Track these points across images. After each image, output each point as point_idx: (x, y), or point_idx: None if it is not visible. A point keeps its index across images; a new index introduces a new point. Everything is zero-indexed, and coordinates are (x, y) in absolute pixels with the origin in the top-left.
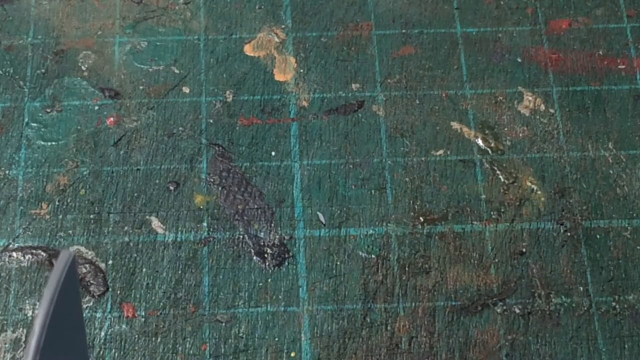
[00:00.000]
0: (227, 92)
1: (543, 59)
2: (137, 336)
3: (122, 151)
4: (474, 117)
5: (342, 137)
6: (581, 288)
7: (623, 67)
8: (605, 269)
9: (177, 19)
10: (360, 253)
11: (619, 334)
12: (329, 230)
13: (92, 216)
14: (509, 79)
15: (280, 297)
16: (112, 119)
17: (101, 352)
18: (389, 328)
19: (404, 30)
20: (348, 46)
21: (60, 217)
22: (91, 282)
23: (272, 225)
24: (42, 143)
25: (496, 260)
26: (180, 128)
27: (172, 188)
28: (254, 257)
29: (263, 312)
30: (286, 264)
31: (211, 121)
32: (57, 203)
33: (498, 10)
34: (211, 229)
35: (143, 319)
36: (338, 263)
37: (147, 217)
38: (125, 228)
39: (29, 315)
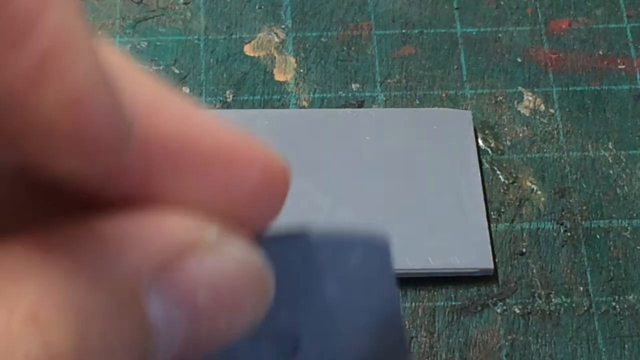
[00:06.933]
0: (227, 92)
1: (543, 59)
2: None
3: None
4: (474, 117)
5: None
6: (581, 288)
7: (623, 67)
8: (605, 269)
9: (177, 19)
10: None
11: (619, 334)
12: None
13: None
14: (509, 79)
15: None
16: None
17: None
18: None
19: (404, 30)
20: (348, 46)
21: None
22: None
23: None
24: None
25: (496, 260)
26: None
27: None
28: None
29: None
30: None
31: None
32: None
33: (498, 10)
34: None
35: None
36: None
37: None
38: None
39: None
